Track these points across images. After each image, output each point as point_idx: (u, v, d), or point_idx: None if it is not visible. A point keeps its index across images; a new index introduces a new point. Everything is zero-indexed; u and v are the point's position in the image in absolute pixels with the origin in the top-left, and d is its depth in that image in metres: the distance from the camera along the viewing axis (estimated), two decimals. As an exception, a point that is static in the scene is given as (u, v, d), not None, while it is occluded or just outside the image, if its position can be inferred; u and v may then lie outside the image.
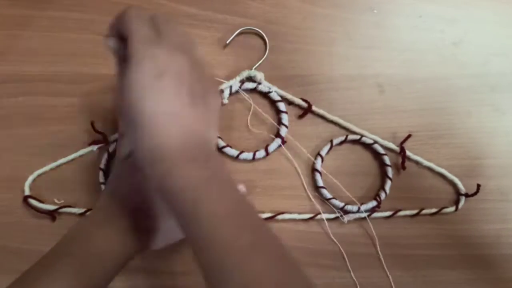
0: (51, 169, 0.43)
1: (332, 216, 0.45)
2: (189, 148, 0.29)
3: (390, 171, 0.45)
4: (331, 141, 0.45)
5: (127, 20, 0.32)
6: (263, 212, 0.44)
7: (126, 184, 0.39)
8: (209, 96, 0.33)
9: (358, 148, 0.46)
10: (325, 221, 0.44)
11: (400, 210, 0.45)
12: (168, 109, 0.29)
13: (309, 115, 0.46)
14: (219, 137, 0.44)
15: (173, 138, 0.29)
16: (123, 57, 0.33)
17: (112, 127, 0.44)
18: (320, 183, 0.44)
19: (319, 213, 0.45)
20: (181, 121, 0.29)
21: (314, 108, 0.45)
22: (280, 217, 0.44)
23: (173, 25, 0.34)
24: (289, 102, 0.46)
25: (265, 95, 0.46)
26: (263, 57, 0.46)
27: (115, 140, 0.44)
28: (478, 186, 0.45)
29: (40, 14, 0.46)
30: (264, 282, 0.26)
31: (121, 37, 0.33)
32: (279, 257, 0.29)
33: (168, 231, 0.38)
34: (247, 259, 0.27)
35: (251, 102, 0.45)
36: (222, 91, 0.45)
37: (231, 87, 0.45)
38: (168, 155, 0.29)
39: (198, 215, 0.28)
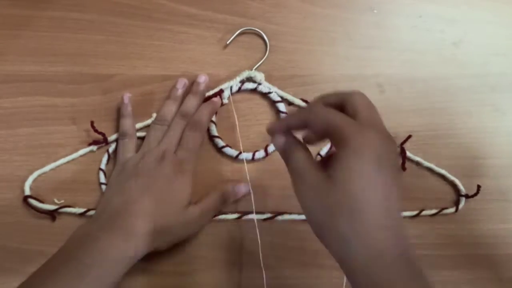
0: (51, 169, 0.43)
1: (332, 216, 0.45)
2: (405, 253, 0.27)
3: (390, 171, 0.45)
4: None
5: (318, 110, 0.29)
6: (263, 213, 0.44)
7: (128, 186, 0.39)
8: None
9: (358, 148, 0.46)
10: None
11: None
12: (386, 201, 0.27)
13: (309, 115, 0.45)
14: (219, 137, 0.44)
15: (390, 232, 0.27)
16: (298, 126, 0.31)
17: (112, 127, 0.44)
18: (320, 183, 0.44)
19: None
20: (394, 214, 0.27)
21: (314, 108, 0.45)
22: (280, 217, 0.44)
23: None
24: (289, 103, 0.46)
25: (265, 95, 0.46)
26: (263, 57, 0.46)
27: (115, 140, 0.44)
28: (478, 187, 0.45)
29: (40, 14, 0.46)
30: None
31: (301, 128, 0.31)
32: None
33: (171, 232, 0.38)
34: None
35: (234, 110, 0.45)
36: (222, 90, 0.45)
37: (231, 87, 0.45)
38: (387, 250, 0.26)
39: None
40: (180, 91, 0.44)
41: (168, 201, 0.38)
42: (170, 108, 0.44)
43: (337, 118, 0.28)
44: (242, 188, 0.43)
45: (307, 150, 0.31)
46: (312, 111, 0.30)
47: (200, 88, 0.44)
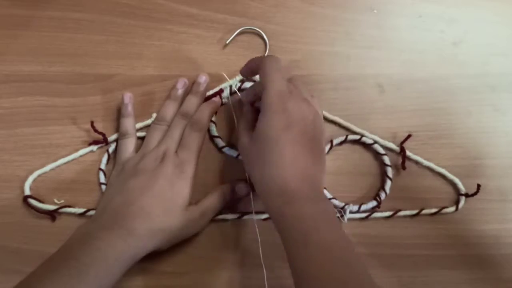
0: (51, 169, 0.43)
1: (332, 216, 0.45)
2: (306, 188, 0.35)
3: (390, 171, 0.45)
4: (331, 141, 0.45)
5: (267, 68, 0.37)
6: (263, 213, 0.44)
7: (129, 185, 0.39)
8: (323, 144, 0.38)
9: (358, 148, 0.46)
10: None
11: (400, 210, 0.45)
12: (292, 155, 0.35)
13: (309, 115, 0.46)
14: (219, 137, 0.44)
15: (295, 178, 0.35)
16: (252, 99, 0.41)
17: (112, 127, 0.44)
18: (320, 183, 0.44)
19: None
20: (301, 164, 0.35)
21: (314, 108, 0.45)
22: (280, 217, 0.44)
23: (302, 83, 0.40)
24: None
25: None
26: (263, 57, 0.46)
27: (115, 140, 0.44)
28: (478, 186, 0.45)
29: (40, 14, 0.46)
30: None
31: (251, 75, 0.42)
32: None
33: (171, 232, 0.38)
34: None
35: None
36: (222, 90, 0.45)
37: (230, 87, 0.45)
38: (290, 190, 0.34)
39: (308, 243, 0.32)
40: (180, 91, 0.44)
41: (168, 201, 0.38)
42: (170, 108, 0.44)
43: (270, 83, 0.36)
44: (243, 189, 0.43)
45: (249, 116, 0.41)
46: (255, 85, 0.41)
47: (200, 88, 0.44)
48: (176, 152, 0.41)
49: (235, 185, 0.43)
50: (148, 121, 0.44)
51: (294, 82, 0.38)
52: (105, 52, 0.46)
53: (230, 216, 0.44)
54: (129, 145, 0.43)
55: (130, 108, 0.43)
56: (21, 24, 0.45)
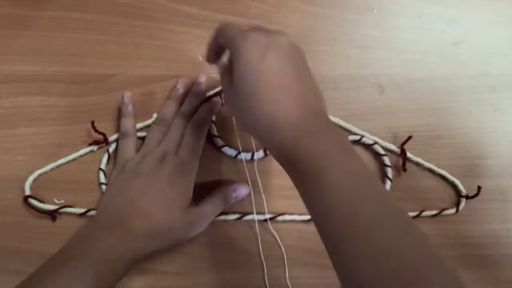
0: (51, 169, 0.43)
1: (332, 216, 0.44)
2: (308, 118, 0.30)
3: (390, 172, 0.45)
4: (331, 141, 0.45)
5: (224, 26, 0.35)
6: (263, 213, 0.44)
7: (130, 186, 0.39)
8: (311, 73, 0.35)
9: (358, 148, 0.46)
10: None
11: (400, 210, 0.45)
12: (278, 82, 0.31)
13: (309, 115, 0.46)
14: (218, 137, 0.44)
15: (290, 109, 0.30)
16: (226, 65, 0.35)
17: (112, 127, 0.44)
18: (320, 183, 0.44)
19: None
20: (292, 93, 0.31)
21: (314, 108, 0.45)
22: (280, 218, 0.44)
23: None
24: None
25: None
26: (263, 57, 0.46)
27: (115, 140, 0.44)
28: (479, 188, 0.45)
29: (40, 14, 0.46)
30: (385, 257, 0.25)
31: (219, 48, 0.37)
32: (403, 232, 0.27)
33: (172, 233, 0.38)
34: (369, 233, 0.26)
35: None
36: (222, 90, 0.45)
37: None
38: (289, 124, 0.30)
39: (323, 185, 0.27)
40: (181, 91, 0.44)
41: (169, 202, 0.38)
42: (171, 109, 0.44)
43: (230, 33, 0.34)
44: (243, 190, 0.43)
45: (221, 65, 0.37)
46: (217, 33, 0.36)
47: (200, 88, 0.44)
48: (177, 152, 0.41)
49: (235, 186, 0.43)
50: (149, 121, 0.44)
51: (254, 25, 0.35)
52: (105, 52, 0.46)
53: (230, 217, 0.44)
54: (130, 145, 0.43)
55: (130, 108, 0.43)
56: (21, 24, 0.45)
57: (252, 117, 0.31)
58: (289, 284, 0.42)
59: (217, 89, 0.45)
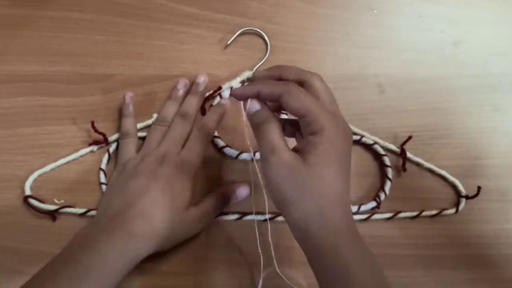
0: (51, 169, 0.43)
1: (332, 216, 0.45)
2: (351, 227, 0.32)
3: (390, 172, 0.45)
4: (331, 141, 0.45)
5: (294, 91, 0.32)
6: (263, 213, 0.44)
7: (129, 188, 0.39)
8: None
9: (358, 148, 0.46)
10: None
11: (400, 212, 0.45)
12: (342, 178, 0.32)
13: (309, 115, 0.46)
14: (219, 137, 0.44)
15: (340, 219, 0.31)
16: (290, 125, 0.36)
17: (112, 127, 0.44)
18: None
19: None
20: (339, 189, 0.31)
21: (314, 108, 0.45)
22: (280, 218, 0.44)
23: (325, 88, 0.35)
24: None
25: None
26: (263, 57, 0.46)
27: (116, 140, 0.44)
28: (479, 188, 0.45)
29: (40, 14, 0.46)
30: None
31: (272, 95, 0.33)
32: None
33: (171, 233, 0.38)
34: None
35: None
36: (220, 87, 0.45)
37: (231, 88, 0.45)
38: (337, 232, 0.31)
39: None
40: (181, 91, 0.44)
41: (168, 202, 0.38)
42: (171, 109, 0.44)
43: (313, 104, 0.31)
44: (243, 191, 0.43)
45: (280, 125, 0.33)
46: (289, 91, 0.31)
47: (199, 88, 0.44)
48: (178, 152, 0.41)
49: (235, 186, 0.43)
50: (149, 121, 0.44)
51: (320, 95, 0.33)
52: (105, 52, 0.46)
53: (230, 217, 0.44)
54: (130, 145, 0.43)
55: (131, 108, 0.43)
56: (21, 24, 0.45)
57: (316, 204, 0.31)
58: (289, 284, 0.42)
59: (228, 91, 0.44)
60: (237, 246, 0.43)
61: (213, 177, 0.45)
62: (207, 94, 0.45)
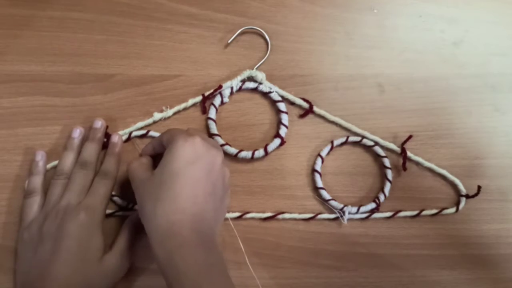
0: (51, 169, 0.43)
1: (332, 216, 0.45)
2: (200, 232, 0.33)
3: (389, 174, 0.45)
4: (332, 143, 0.45)
5: (167, 132, 0.39)
6: (264, 212, 0.44)
7: None
8: (226, 194, 0.39)
9: (358, 148, 0.46)
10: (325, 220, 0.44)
11: (400, 211, 0.45)
12: (192, 191, 0.34)
13: (309, 115, 0.46)
14: (218, 135, 0.44)
15: (189, 218, 0.33)
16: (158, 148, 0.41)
17: (112, 126, 0.44)
18: (320, 184, 0.44)
19: (319, 213, 0.45)
20: (199, 205, 0.34)
21: (315, 108, 0.45)
22: (280, 216, 0.44)
23: (204, 133, 0.42)
24: (290, 102, 0.46)
25: (266, 94, 0.46)
26: (263, 56, 0.46)
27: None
28: (479, 187, 0.45)
29: (40, 14, 0.46)
30: None
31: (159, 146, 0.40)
32: None
33: (96, 286, 0.37)
34: None
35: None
36: (221, 86, 0.45)
37: (232, 87, 0.45)
38: (181, 231, 0.33)
39: None
40: (76, 140, 0.42)
41: (80, 258, 0.36)
42: (68, 160, 0.42)
43: (176, 132, 0.38)
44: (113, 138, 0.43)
45: (144, 160, 0.40)
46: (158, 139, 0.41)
47: (98, 134, 0.43)
48: (81, 202, 0.39)
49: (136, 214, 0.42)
50: (149, 121, 0.44)
51: (195, 131, 0.38)
52: (105, 52, 0.46)
53: (230, 215, 0.44)
54: (34, 205, 0.40)
55: (41, 165, 0.42)
56: (21, 24, 0.45)
57: (152, 207, 0.34)
58: (289, 284, 0.42)
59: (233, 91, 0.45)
60: (236, 245, 0.43)
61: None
62: (207, 93, 0.45)
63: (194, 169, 0.35)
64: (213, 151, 0.37)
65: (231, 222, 0.42)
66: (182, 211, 0.33)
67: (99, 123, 0.43)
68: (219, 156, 0.37)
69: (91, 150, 0.42)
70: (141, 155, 0.43)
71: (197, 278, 0.31)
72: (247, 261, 0.42)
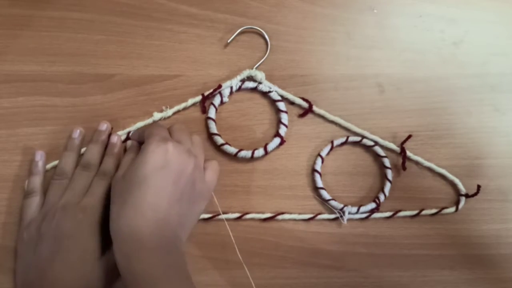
0: (51, 169, 0.43)
1: (332, 216, 0.45)
2: (159, 236, 0.34)
3: (389, 174, 0.45)
4: (332, 142, 0.45)
5: (150, 126, 0.40)
6: (263, 212, 0.44)
7: None
8: (198, 200, 0.39)
9: (358, 148, 0.46)
10: (325, 221, 0.44)
11: (400, 210, 0.45)
12: (155, 199, 0.34)
13: (309, 115, 0.46)
14: (218, 135, 0.44)
15: (150, 224, 0.33)
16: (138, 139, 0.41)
17: (112, 126, 0.44)
18: (320, 184, 0.44)
19: (319, 213, 0.45)
20: (162, 212, 0.34)
21: (314, 108, 0.45)
22: (280, 217, 0.44)
23: (187, 133, 0.40)
24: (290, 102, 0.46)
25: (265, 94, 0.46)
26: (263, 56, 0.46)
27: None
28: (479, 187, 0.45)
29: (40, 14, 0.46)
30: None
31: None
32: None
33: (94, 284, 0.37)
34: None
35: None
36: (220, 86, 0.45)
37: (231, 87, 0.45)
38: (140, 236, 0.33)
39: None
40: (76, 140, 0.43)
41: (79, 258, 0.36)
42: (69, 160, 0.42)
43: (146, 132, 0.39)
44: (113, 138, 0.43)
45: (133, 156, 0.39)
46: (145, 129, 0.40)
47: (102, 137, 0.43)
48: (79, 202, 0.39)
49: None
50: (149, 120, 0.44)
51: (176, 132, 0.39)
52: (105, 52, 0.46)
53: (229, 216, 0.44)
54: (33, 205, 0.40)
55: (40, 165, 0.42)
56: (21, 24, 0.45)
57: (116, 211, 0.35)
58: (288, 284, 0.42)
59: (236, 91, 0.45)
60: (236, 245, 0.43)
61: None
62: (207, 93, 0.45)
63: (161, 176, 0.35)
64: (184, 158, 0.36)
65: (226, 223, 0.42)
66: (142, 217, 0.34)
67: (104, 126, 0.43)
68: (191, 163, 0.37)
69: (94, 152, 0.42)
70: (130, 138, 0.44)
71: (153, 279, 0.32)
72: (241, 260, 0.41)
